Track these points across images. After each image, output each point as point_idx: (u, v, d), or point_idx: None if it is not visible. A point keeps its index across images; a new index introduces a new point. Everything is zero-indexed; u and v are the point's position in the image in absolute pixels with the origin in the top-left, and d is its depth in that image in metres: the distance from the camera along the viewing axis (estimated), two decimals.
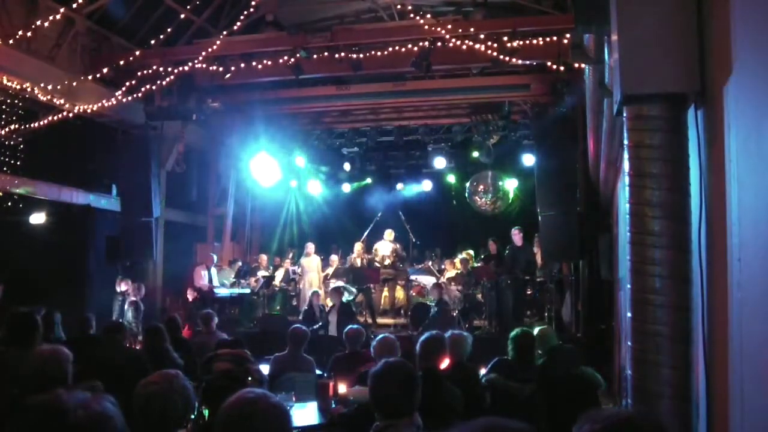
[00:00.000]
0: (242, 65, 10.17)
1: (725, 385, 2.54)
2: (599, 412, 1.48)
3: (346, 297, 10.63)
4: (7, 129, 9.45)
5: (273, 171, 13.52)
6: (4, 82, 8.81)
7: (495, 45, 9.09)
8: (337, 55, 9.84)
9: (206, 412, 3.58)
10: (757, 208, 2.20)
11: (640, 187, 3.06)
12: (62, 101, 9.56)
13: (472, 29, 9.37)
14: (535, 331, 5.66)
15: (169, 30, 10.24)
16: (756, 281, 2.20)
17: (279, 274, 12.85)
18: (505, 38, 9.09)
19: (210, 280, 11.37)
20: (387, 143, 14.36)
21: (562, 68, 9.28)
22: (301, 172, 14.97)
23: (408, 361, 2.90)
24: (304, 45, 9.72)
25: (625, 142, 3.21)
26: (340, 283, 12.50)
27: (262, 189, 14.27)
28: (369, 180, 16.08)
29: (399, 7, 10.39)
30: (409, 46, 9.52)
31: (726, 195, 2.56)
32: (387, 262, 12.03)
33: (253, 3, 9.80)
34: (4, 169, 9.83)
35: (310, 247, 12.31)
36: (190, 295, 11.17)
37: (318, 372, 5.64)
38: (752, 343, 2.24)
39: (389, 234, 12.39)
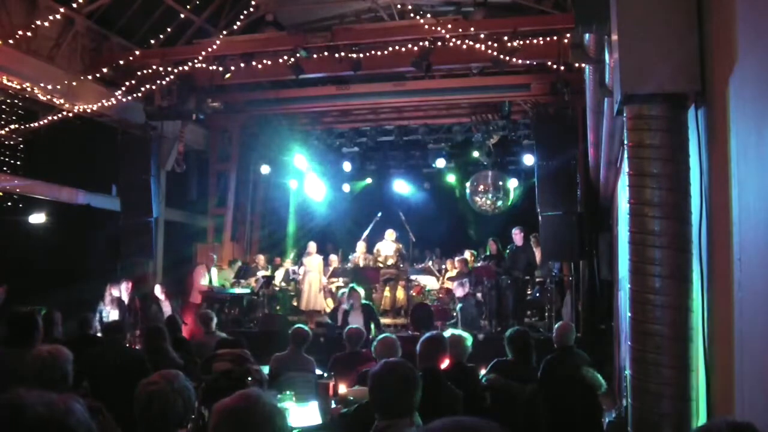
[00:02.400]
0: (242, 65, 10.17)
1: (725, 385, 2.54)
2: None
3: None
4: (7, 129, 9.46)
5: (273, 171, 13.51)
6: (4, 82, 8.81)
7: (495, 45, 9.09)
8: (337, 55, 9.84)
9: (206, 413, 3.58)
10: (758, 208, 2.20)
11: (640, 186, 3.06)
12: (62, 101, 9.56)
13: (472, 29, 9.37)
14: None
15: (169, 30, 10.26)
16: (756, 281, 2.20)
17: (279, 274, 12.84)
18: (506, 38, 9.09)
19: (210, 281, 11.37)
20: (387, 143, 14.34)
21: (562, 68, 9.28)
22: (301, 172, 14.96)
23: (408, 361, 2.89)
24: (304, 45, 9.72)
25: (626, 142, 3.21)
26: (340, 283, 12.50)
27: (262, 189, 14.25)
28: (369, 180, 16.06)
29: (399, 7, 10.41)
30: (409, 46, 9.52)
31: (726, 195, 2.56)
32: (390, 262, 12.00)
33: (253, 3, 9.81)
34: (4, 169, 9.84)
35: (312, 246, 12.29)
36: (196, 298, 11.15)
37: (318, 372, 5.65)
38: (753, 342, 2.24)
39: (391, 234, 12.36)
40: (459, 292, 10.14)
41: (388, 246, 12.22)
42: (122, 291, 10.33)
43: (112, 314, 9.55)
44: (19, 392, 1.27)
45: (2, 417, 1.22)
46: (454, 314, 10.17)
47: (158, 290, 10.55)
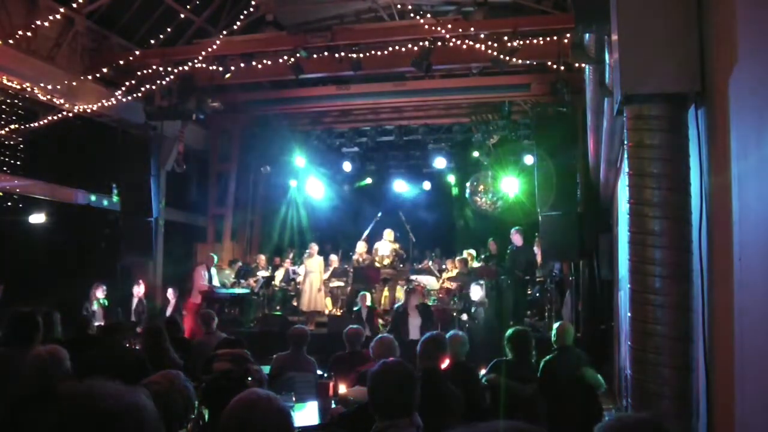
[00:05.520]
0: (242, 65, 10.16)
1: (725, 385, 2.54)
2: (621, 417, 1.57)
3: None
4: (7, 129, 9.45)
5: (273, 171, 13.53)
6: (4, 82, 8.81)
7: (495, 45, 9.09)
8: (337, 55, 9.84)
9: (206, 412, 3.57)
10: (758, 208, 2.20)
11: (640, 186, 3.06)
12: (62, 101, 9.56)
13: (472, 29, 9.37)
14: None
15: (169, 30, 10.26)
16: (757, 281, 2.20)
17: (279, 274, 12.84)
18: (506, 38, 9.09)
19: (210, 280, 11.37)
20: (387, 143, 14.35)
21: (562, 68, 9.28)
22: (301, 172, 14.97)
23: (406, 362, 2.89)
24: (304, 45, 9.72)
25: (626, 141, 3.21)
26: (341, 283, 12.49)
27: (262, 189, 14.26)
28: (369, 180, 16.07)
29: (399, 6, 10.41)
30: (409, 46, 9.52)
31: (726, 195, 2.56)
32: (386, 262, 12.00)
33: (253, 3, 9.81)
34: (4, 169, 9.83)
35: (314, 247, 12.28)
36: (197, 298, 11.17)
37: (320, 372, 5.65)
38: (753, 342, 2.23)
39: (389, 234, 12.36)
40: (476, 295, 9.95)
41: (385, 246, 12.22)
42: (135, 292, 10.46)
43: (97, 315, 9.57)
44: (91, 384, 1.29)
45: (77, 409, 1.23)
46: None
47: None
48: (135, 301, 10.46)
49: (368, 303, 10.01)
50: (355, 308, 10.18)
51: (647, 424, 1.58)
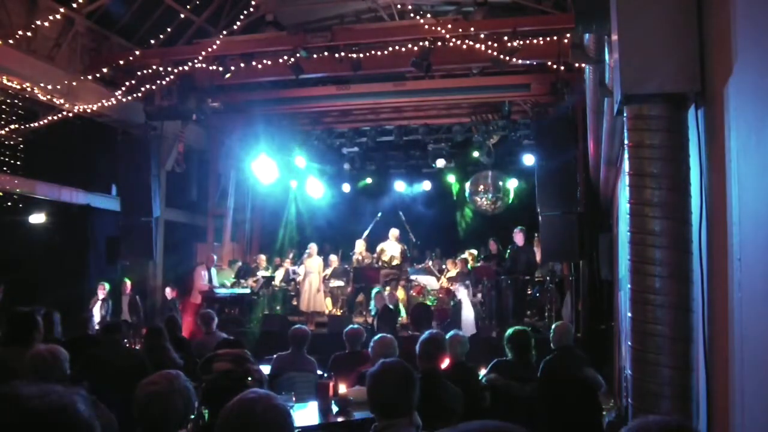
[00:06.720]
0: (242, 65, 10.16)
1: (725, 385, 2.54)
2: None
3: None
4: (7, 129, 9.46)
5: (272, 171, 13.54)
6: (4, 82, 8.81)
7: (495, 45, 9.09)
8: (337, 55, 9.84)
9: (206, 413, 3.57)
10: (758, 207, 2.20)
11: (640, 186, 3.06)
12: (62, 101, 9.57)
13: (472, 29, 9.37)
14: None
15: (169, 30, 10.26)
16: (756, 281, 2.20)
17: (279, 274, 12.85)
18: (506, 38, 9.09)
19: (210, 281, 11.38)
20: (387, 143, 14.34)
21: (562, 68, 9.28)
22: (301, 172, 14.97)
23: (405, 361, 2.89)
24: (304, 45, 9.72)
25: (626, 142, 3.21)
26: (340, 283, 12.48)
27: (262, 189, 14.27)
28: (369, 180, 16.07)
29: (399, 6, 10.41)
30: (409, 46, 9.52)
31: (726, 195, 2.56)
32: (395, 262, 11.95)
33: (253, 3, 9.81)
34: (4, 169, 9.83)
35: (313, 247, 12.28)
36: (197, 298, 11.18)
37: (320, 372, 5.65)
38: (753, 343, 2.24)
39: (395, 234, 12.32)
40: (463, 295, 10.01)
41: (393, 246, 12.19)
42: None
43: (97, 314, 9.61)
44: (15, 385, 1.27)
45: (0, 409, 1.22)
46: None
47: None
48: (125, 299, 10.47)
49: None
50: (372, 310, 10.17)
51: (670, 427, 1.56)
